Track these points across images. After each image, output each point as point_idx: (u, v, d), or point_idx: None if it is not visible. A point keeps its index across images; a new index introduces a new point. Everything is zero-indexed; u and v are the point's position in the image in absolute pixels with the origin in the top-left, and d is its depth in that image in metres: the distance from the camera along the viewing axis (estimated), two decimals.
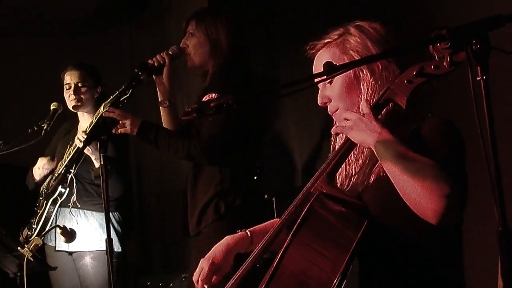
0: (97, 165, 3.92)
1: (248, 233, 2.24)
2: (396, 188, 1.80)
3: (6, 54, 6.14)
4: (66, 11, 6.22)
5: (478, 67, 1.44)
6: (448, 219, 1.75)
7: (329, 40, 2.12)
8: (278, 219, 2.25)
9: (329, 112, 2.10)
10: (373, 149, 1.86)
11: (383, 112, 1.96)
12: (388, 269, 1.90)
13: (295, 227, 1.80)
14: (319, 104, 2.11)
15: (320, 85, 2.11)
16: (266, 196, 3.96)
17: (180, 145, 3.27)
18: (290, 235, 1.79)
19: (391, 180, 1.81)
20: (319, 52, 2.14)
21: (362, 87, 2.03)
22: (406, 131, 1.94)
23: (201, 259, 2.21)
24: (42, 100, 4.47)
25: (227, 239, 2.23)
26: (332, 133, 2.02)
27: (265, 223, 2.33)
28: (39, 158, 4.21)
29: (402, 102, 1.90)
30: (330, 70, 1.70)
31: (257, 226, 2.30)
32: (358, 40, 2.06)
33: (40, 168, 4.17)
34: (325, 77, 1.78)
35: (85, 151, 3.89)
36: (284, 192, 4.17)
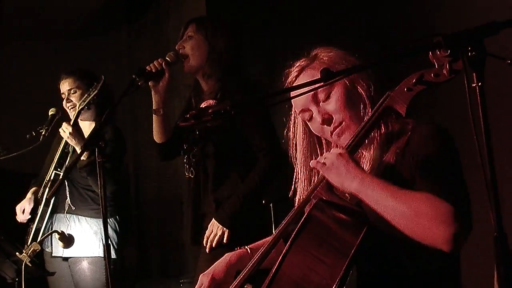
0: (82, 157, 3.91)
1: (248, 249, 2.24)
2: (399, 228, 1.77)
3: (4, 57, 6.15)
4: (64, 16, 6.24)
5: (474, 74, 1.46)
6: (459, 243, 1.74)
7: (302, 64, 2.12)
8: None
9: (331, 130, 2.04)
10: (357, 194, 1.82)
11: (382, 124, 1.96)
12: (386, 275, 1.91)
13: (294, 233, 1.81)
14: (320, 123, 2.04)
15: (312, 108, 2.05)
16: (264, 201, 3.96)
17: (256, 177, 3.35)
18: (289, 241, 1.80)
19: (390, 222, 1.78)
20: (299, 77, 2.11)
21: (361, 91, 2.04)
22: (402, 143, 1.94)
23: (201, 275, 2.22)
24: (40, 104, 4.47)
25: (228, 256, 2.23)
26: (311, 166, 1.96)
27: (265, 239, 2.30)
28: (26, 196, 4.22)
29: (402, 110, 1.89)
30: (327, 76, 1.71)
31: (256, 242, 2.30)
32: (331, 55, 2.08)
33: (18, 216, 4.18)
34: (322, 83, 1.78)
35: (69, 141, 3.95)
36: (282, 197, 4.16)
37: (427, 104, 2.11)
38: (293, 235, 1.80)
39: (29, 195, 4.20)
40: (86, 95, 3.93)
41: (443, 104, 3.03)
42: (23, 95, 6.18)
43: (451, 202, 1.74)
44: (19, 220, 4.17)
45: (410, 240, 1.84)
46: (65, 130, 3.94)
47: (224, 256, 2.24)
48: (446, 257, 1.91)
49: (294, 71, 2.13)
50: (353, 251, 1.75)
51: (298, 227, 1.81)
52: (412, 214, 1.74)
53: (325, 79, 1.71)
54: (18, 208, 4.16)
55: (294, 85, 2.10)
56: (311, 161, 1.95)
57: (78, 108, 3.95)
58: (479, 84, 1.44)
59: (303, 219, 1.83)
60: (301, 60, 2.14)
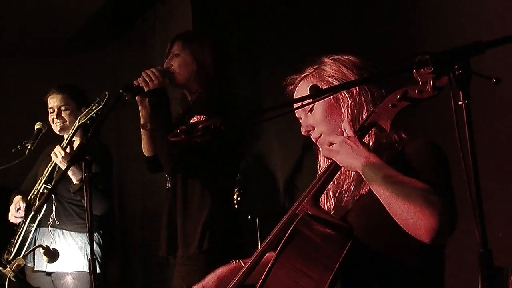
0: (75, 181, 3.92)
1: (242, 263, 2.26)
2: (388, 210, 1.81)
3: None
4: (49, 31, 6.23)
5: (460, 92, 1.48)
6: (441, 237, 1.76)
7: (306, 73, 2.19)
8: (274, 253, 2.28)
9: (313, 140, 2.15)
10: (360, 173, 1.88)
11: (368, 136, 2.00)
12: None
13: (279, 247, 1.82)
14: (303, 134, 2.16)
15: (302, 116, 2.16)
16: (249, 217, 3.97)
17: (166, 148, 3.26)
18: (275, 255, 1.81)
19: (382, 202, 1.82)
20: (298, 86, 2.20)
21: (343, 108, 2.08)
22: (393, 154, 1.97)
23: (193, 286, 2.24)
24: (25, 119, 4.46)
25: (222, 269, 2.26)
26: (323, 156, 2.05)
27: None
28: (14, 198, 4.20)
29: (387, 126, 1.93)
30: (316, 93, 1.74)
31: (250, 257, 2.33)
32: (334, 67, 2.13)
33: (12, 215, 4.16)
34: (311, 100, 1.81)
35: (60, 165, 3.92)
36: (267, 213, 4.17)
37: (413, 122, 2.14)
38: (278, 249, 1.82)
39: (17, 198, 4.18)
40: (87, 110, 3.82)
41: (429, 122, 3.05)
42: (7, 110, 6.16)
43: (442, 196, 1.77)
44: (13, 220, 4.16)
45: (395, 254, 1.87)
46: (57, 154, 3.90)
47: (218, 269, 2.26)
48: (432, 272, 1.93)
49: (297, 79, 2.21)
50: (337, 265, 1.76)
51: (283, 241, 1.82)
52: (405, 196, 1.77)
53: (314, 96, 1.74)
54: (13, 207, 4.15)
55: (294, 93, 2.19)
56: (322, 153, 2.04)
57: (78, 122, 3.91)
58: (465, 102, 1.47)
59: (288, 233, 1.84)
60: (309, 68, 2.20)
